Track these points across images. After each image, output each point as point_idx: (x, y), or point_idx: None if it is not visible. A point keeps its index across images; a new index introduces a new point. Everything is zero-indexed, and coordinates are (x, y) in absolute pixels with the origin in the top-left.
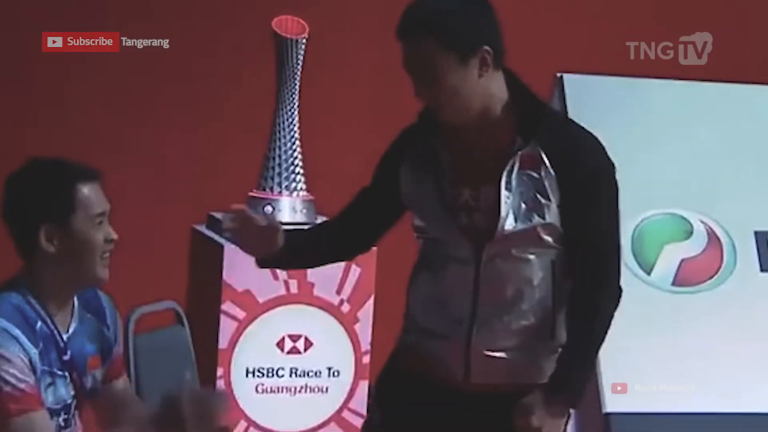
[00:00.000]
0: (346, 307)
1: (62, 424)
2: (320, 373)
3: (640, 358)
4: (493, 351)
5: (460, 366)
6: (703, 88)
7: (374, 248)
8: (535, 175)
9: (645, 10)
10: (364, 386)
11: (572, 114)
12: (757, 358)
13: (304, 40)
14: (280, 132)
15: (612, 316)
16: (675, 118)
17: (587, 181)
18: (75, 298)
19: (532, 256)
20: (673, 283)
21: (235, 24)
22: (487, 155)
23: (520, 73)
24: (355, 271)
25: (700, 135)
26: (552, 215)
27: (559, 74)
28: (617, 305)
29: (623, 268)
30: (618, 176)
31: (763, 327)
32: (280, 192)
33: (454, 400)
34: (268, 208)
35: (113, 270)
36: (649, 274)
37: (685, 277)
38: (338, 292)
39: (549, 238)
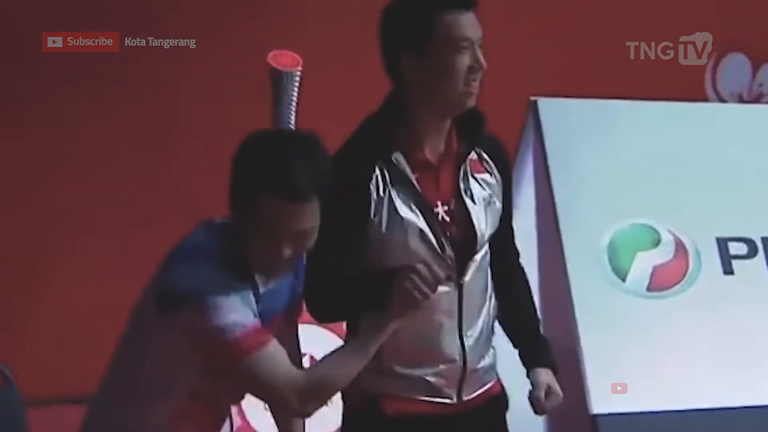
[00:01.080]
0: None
1: None
2: None
3: (622, 361)
4: (479, 363)
5: (453, 388)
6: (668, 108)
7: None
8: (489, 179)
9: (645, 10)
10: None
11: (548, 137)
12: (728, 351)
13: (299, 73)
14: None
15: None
16: (642, 137)
17: (509, 171)
18: None
19: (485, 260)
20: (648, 289)
21: (235, 24)
22: (443, 165)
23: (521, 74)
24: None
25: (667, 152)
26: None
27: (533, 98)
28: None
29: (600, 277)
30: (590, 191)
31: (732, 325)
32: None
33: (446, 426)
34: None
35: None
36: (624, 281)
37: (658, 283)
38: None
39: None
